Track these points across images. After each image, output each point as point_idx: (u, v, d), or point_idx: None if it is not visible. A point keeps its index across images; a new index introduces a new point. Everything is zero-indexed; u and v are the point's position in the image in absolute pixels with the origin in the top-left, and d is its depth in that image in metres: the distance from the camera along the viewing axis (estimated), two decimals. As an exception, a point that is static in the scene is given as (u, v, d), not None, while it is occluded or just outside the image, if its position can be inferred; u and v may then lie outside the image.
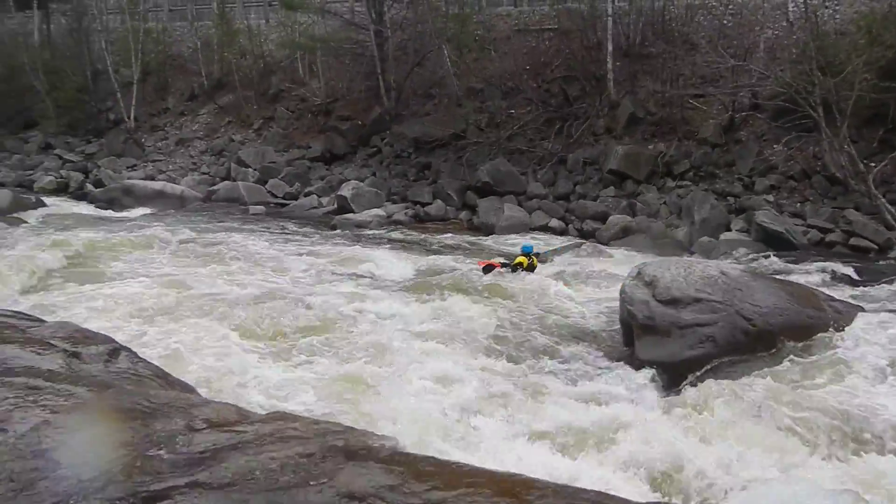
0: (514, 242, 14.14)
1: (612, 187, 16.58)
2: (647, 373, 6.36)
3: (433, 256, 12.43)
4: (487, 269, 10.31)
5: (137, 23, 27.95)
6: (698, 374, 6.28)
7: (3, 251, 10.14)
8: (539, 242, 14.05)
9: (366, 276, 10.33)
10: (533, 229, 15.54)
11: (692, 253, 12.90)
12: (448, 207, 17.47)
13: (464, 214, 17.20)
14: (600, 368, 6.57)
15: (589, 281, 10.14)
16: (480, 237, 15.05)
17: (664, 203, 15.52)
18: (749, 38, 18.07)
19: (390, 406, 5.18)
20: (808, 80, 13.94)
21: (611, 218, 15.06)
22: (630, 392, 5.85)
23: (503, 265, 10.46)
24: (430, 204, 17.61)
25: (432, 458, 3.60)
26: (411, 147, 20.74)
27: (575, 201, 16.59)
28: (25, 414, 3.65)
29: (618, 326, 7.56)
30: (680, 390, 6.00)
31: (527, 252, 10.57)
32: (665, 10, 20.40)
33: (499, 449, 4.59)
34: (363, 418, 4.82)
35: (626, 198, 16.12)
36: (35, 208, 16.90)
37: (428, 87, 22.64)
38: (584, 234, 15.11)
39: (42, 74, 28.40)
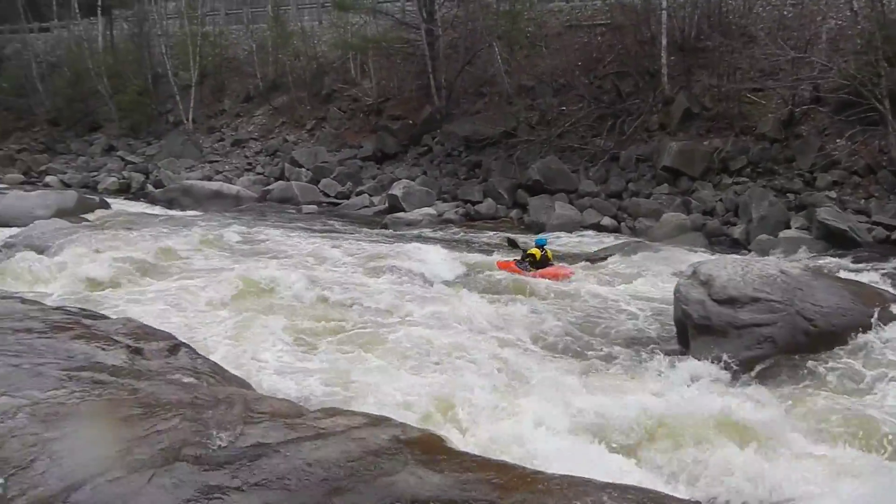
0: (564, 242, 14.05)
1: (665, 185, 16.28)
2: (703, 373, 6.23)
3: (484, 255, 12.41)
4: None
5: (195, 27, 28.70)
6: (756, 375, 6.13)
7: (70, 250, 10.52)
8: (590, 241, 13.96)
9: (418, 275, 10.37)
10: (584, 227, 15.39)
11: (749, 251, 12.59)
12: (498, 206, 17.44)
13: (514, 213, 17.14)
14: (654, 369, 6.46)
15: (643, 280, 9.99)
16: (531, 235, 14.96)
17: (720, 200, 15.17)
18: (810, 28, 17.49)
19: (444, 403, 5.19)
20: (873, 72, 13.45)
21: (664, 216, 14.79)
22: (685, 393, 5.73)
23: (517, 261, 10.47)
24: (481, 202, 17.60)
25: (493, 459, 3.61)
26: (462, 146, 20.77)
27: (627, 199, 16.36)
28: (91, 407, 3.81)
29: (672, 326, 7.43)
30: (737, 392, 5.86)
31: (540, 245, 10.47)
32: (722, 2, 19.89)
33: (556, 449, 4.55)
34: (420, 416, 4.84)
35: (680, 195, 15.81)
36: (99, 208, 17.47)
37: (479, 85, 22.62)
38: (637, 233, 14.88)
39: (105, 79, 29.41)
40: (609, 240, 14.12)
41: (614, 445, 4.74)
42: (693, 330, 6.78)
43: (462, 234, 15.24)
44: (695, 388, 5.89)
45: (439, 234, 15.18)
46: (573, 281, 9.83)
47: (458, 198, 18.23)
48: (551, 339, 7.34)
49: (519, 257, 10.48)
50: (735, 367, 6.22)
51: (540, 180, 17.11)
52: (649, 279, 10.01)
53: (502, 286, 9.44)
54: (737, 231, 13.81)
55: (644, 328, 7.78)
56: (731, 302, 6.64)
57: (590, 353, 6.94)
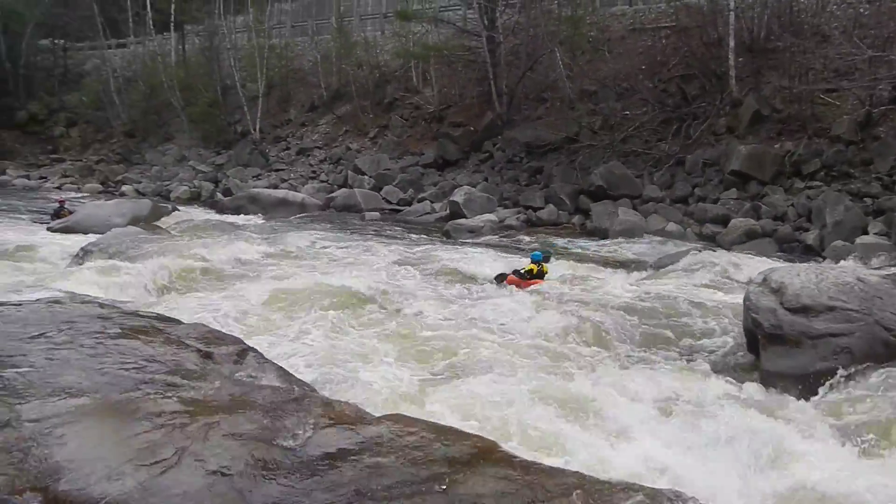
0: (628, 248, 13.82)
1: (734, 189, 15.83)
2: (774, 385, 6.02)
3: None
4: (500, 277, 10.33)
5: (263, 40, 29.51)
6: (831, 387, 5.88)
7: (144, 256, 10.92)
8: (655, 247, 13.69)
9: (479, 281, 10.37)
10: (649, 233, 15.10)
11: (823, 258, 12.15)
12: (560, 212, 17.28)
13: (576, 219, 16.96)
14: (723, 378, 6.27)
15: (710, 287, 9.74)
16: (594, 241, 14.78)
17: (791, 205, 14.67)
18: (889, 26, 16.74)
19: (510, 413, 5.15)
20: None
21: (733, 221, 14.39)
22: (755, 404, 5.54)
23: (515, 272, 10.36)
24: (543, 208, 17.49)
25: (560, 469, 3.56)
26: (523, 151, 20.69)
27: (694, 204, 15.98)
28: (162, 408, 3.93)
29: (742, 335, 7.21)
30: (811, 405, 5.64)
31: (536, 260, 10.42)
32: (793, 2, 19.29)
33: (621, 458, 4.48)
34: (484, 425, 4.82)
35: (749, 200, 15.35)
36: (171, 216, 18.08)
37: (540, 90, 22.54)
38: (704, 238, 14.53)
39: (178, 91, 30.54)
40: (675, 246, 13.82)
41: (680, 457, 4.62)
42: (763, 339, 6.55)
43: (525, 240, 15.12)
44: (763, 400, 5.70)
45: (501, 240, 15.13)
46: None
47: (520, 204, 18.16)
48: (617, 346, 7.22)
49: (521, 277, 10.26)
50: (809, 379, 5.99)
51: (603, 185, 16.90)
52: (717, 286, 9.75)
53: (565, 294, 9.34)
54: (810, 237, 13.33)
55: (712, 337, 7.57)
56: (804, 311, 6.39)
57: (656, 362, 6.78)
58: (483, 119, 22.63)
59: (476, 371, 6.26)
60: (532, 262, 10.42)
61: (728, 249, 13.17)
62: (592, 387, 5.79)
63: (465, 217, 17.08)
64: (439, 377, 6.13)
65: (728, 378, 6.26)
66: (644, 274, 11.13)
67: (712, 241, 14.14)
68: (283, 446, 3.55)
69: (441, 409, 5.20)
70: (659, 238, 14.78)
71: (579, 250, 13.82)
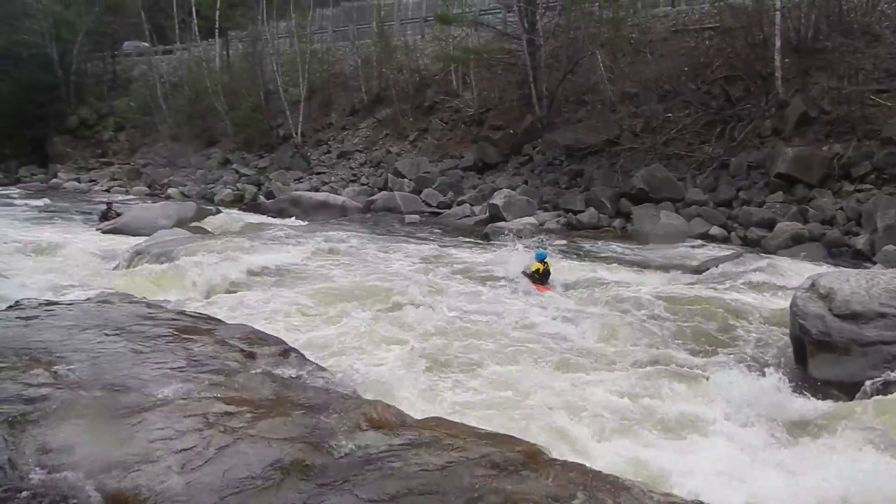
0: (670, 252, 13.63)
1: (780, 192, 15.48)
2: (822, 393, 5.87)
3: (586, 266, 12.21)
4: None
5: (305, 45, 29.91)
6: (883, 397, 5.70)
7: (188, 257, 11.14)
8: (698, 251, 13.49)
9: (519, 285, 10.31)
10: (691, 237, 14.87)
11: (874, 263, 11.80)
12: (601, 215, 17.13)
13: (617, 222, 16.79)
14: (768, 386, 6.12)
15: (755, 292, 9.54)
16: (635, 245, 14.61)
17: (840, 209, 14.29)
18: (943, 25, 16.27)
19: (553, 417, 5.12)
20: None
21: (779, 225, 14.09)
22: (803, 414, 5.42)
23: (523, 274, 10.48)
24: (583, 212, 17.35)
25: (607, 474, 3.53)
26: (563, 154, 20.57)
27: (738, 208, 15.69)
28: (207, 407, 4.01)
29: (788, 341, 7.05)
30: (860, 414, 5.48)
31: (541, 259, 10.62)
32: (842, 1, 18.81)
33: (664, 471, 4.42)
34: (528, 430, 4.79)
35: (795, 203, 15.00)
36: (215, 217, 18.38)
37: (581, 93, 22.39)
38: (749, 243, 14.26)
39: (222, 96, 31.11)
40: (718, 250, 13.59)
41: (726, 469, 4.54)
42: (811, 346, 6.39)
43: (564, 243, 15.02)
44: (811, 409, 5.56)
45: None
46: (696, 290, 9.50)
47: (560, 207, 18.06)
48: (658, 351, 7.10)
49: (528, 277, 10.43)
50: (858, 388, 5.82)
51: (644, 189, 16.71)
52: (763, 291, 9.55)
53: (606, 296, 9.25)
54: (860, 241, 12.96)
55: (758, 343, 7.41)
56: (854, 317, 6.22)
57: (698, 369, 6.66)
58: (523, 122, 22.56)
59: (518, 374, 6.23)
60: (538, 261, 10.55)
61: (773, 254, 12.89)
62: (634, 394, 5.73)
63: (504, 220, 17.06)
64: (480, 380, 6.11)
65: (774, 386, 6.11)
66: (687, 278, 10.97)
67: (757, 246, 13.87)
68: (324, 447, 3.59)
69: (483, 412, 5.19)
70: (702, 242, 14.56)
71: (620, 254, 13.66)
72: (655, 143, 18.54)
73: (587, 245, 14.76)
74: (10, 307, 6.14)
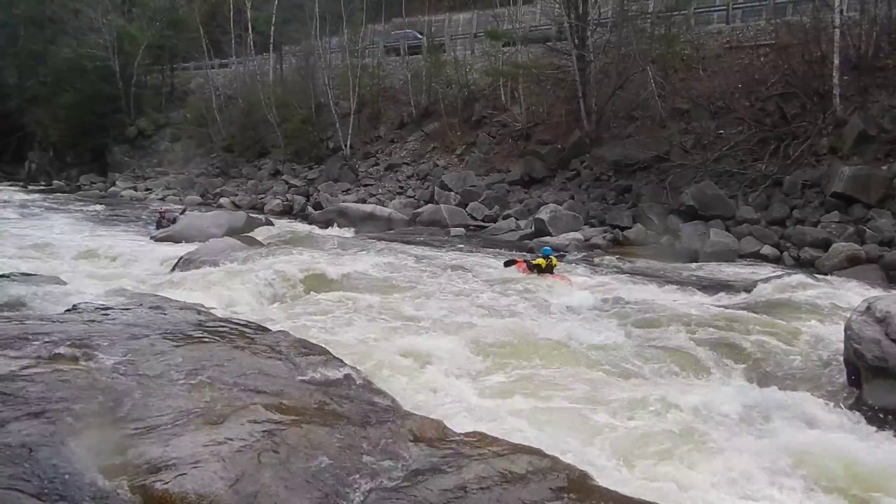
0: (720, 270, 13.36)
1: (835, 212, 15.06)
2: (878, 421, 5.65)
3: (632, 283, 12.04)
4: (509, 263, 11.86)
5: (356, 59, 30.35)
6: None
7: (238, 266, 11.36)
8: (749, 270, 13.20)
9: (566, 302, 10.23)
10: (742, 256, 14.56)
11: (937, 287, 11.36)
12: (648, 232, 16.90)
13: (665, 239, 16.52)
14: (821, 413, 5.91)
15: (808, 314, 9.27)
16: (683, 263, 14.36)
17: (900, 230, 13.83)
18: None
19: (595, 438, 5.06)
20: None
21: (834, 246, 13.68)
22: (857, 442, 5.22)
23: (527, 263, 11.73)
24: (630, 228, 17.15)
25: (637, 499, 3.48)
26: (611, 170, 20.41)
27: (791, 227, 15.30)
28: (252, 414, 4.08)
29: (841, 366, 6.82)
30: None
31: (546, 254, 11.62)
32: (904, 18, 18.31)
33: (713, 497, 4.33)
34: (567, 451, 4.74)
35: (852, 224, 14.56)
36: (264, 227, 18.74)
37: (630, 109, 22.21)
38: (802, 263, 13.89)
39: (274, 108, 31.77)
40: (770, 270, 13.27)
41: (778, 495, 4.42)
42: (866, 372, 6.18)
43: (611, 259, 14.85)
44: (865, 437, 5.36)
45: (586, 259, 14.91)
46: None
47: (606, 223, 17.89)
48: (706, 374, 6.93)
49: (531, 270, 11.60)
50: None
51: (694, 206, 16.44)
52: (815, 313, 9.27)
53: (653, 315, 9.10)
54: (920, 265, 12.51)
55: (810, 367, 7.17)
56: (912, 343, 6.01)
57: (748, 391, 6.46)
58: (571, 137, 22.46)
59: (561, 392, 6.15)
60: (541, 257, 11.54)
61: (828, 275, 12.52)
62: (680, 418, 5.58)
63: (550, 235, 16.97)
64: (524, 395, 6.06)
65: (827, 412, 5.92)
66: (737, 298, 10.71)
67: (811, 267, 13.49)
68: (366, 458, 3.61)
69: (525, 428, 5.14)
70: (753, 261, 14.23)
71: (668, 271, 13.44)
72: (706, 159, 18.25)
73: (633, 261, 14.56)
74: (69, 310, 6.36)
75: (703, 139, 19.17)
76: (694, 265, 14.15)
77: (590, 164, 21.32)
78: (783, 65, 19.79)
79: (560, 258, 12.09)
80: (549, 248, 12.41)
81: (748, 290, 11.13)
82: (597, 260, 14.84)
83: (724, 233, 15.46)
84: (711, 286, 11.72)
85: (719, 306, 9.80)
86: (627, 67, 21.90)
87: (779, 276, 11.99)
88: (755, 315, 8.98)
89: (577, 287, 11.06)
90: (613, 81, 21.96)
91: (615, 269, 13.59)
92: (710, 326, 8.40)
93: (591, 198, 19.89)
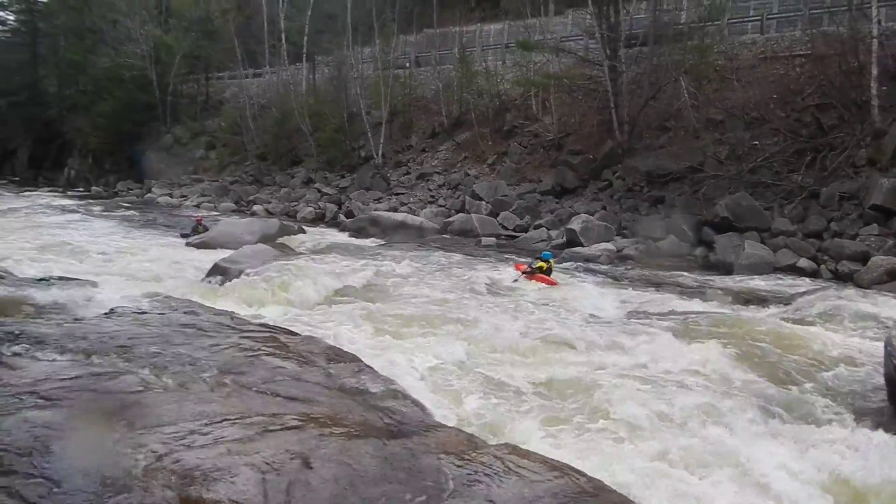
0: (755, 283, 13.15)
1: (874, 225, 14.71)
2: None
3: (664, 294, 11.91)
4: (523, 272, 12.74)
5: (388, 70, 30.57)
6: None
7: (270, 272, 11.47)
8: (784, 284, 12.98)
9: (594, 312, 10.17)
10: (778, 269, 14.30)
11: (980, 303, 11.03)
12: (682, 243, 16.68)
13: (699, 251, 16.32)
14: (860, 431, 5.77)
15: (846, 329, 9.09)
16: (717, 275, 14.16)
17: (943, 244, 13.48)
18: None
19: (635, 459, 4.98)
20: None
21: (873, 259, 13.37)
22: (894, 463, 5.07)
23: (529, 269, 12.75)
24: (663, 239, 16.95)
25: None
26: (644, 181, 20.24)
27: (829, 239, 14.99)
28: (285, 422, 4.10)
29: (881, 382, 6.66)
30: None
31: (546, 259, 12.85)
32: (947, 25, 17.92)
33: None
34: (600, 466, 4.68)
35: (892, 237, 14.19)
36: (297, 235, 18.95)
37: (663, 119, 22.03)
38: (840, 277, 13.60)
39: (307, 118, 32.12)
40: (806, 283, 13.03)
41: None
42: (908, 389, 6.03)
43: (643, 271, 14.69)
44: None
45: (618, 269, 14.78)
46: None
47: (639, 234, 17.70)
48: (740, 391, 6.76)
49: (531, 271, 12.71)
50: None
51: (728, 217, 16.21)
52: (854, 329, 9.09)
53: (686, 326, 8.99)
54: (964, 279, 12.17)
55: (847, 384, 7.01)
56: (956, 359, 5.85)
57: (783, 408, 6.30)
58: (603, 147, 22.34)
59: (596, 410, 6.02)
60: (542, 261, 12.73)
61: (867, 289, 12.26)
62: (710, 434, 5.46)
63: (581, 245, 16.87)
64: (557, 409, 6.01)
65: (865, 431, 5.76)
66: (773, 311, 10.54)
67: (849, 280, 13.20)
68: (398, 470, 3.61)
69: (557, 442, 5.09)
70: (789, 274, 13.99)
71: (701, 283, 13.26)
72: (741, 170, 18.00)
73: (666, 273, 14.40)
74: (106, 314, 6.48)
75: (738, 150, 18.91)
76: (728, 277, 13.94)
77: (622, 174, 21.17)
78: (819, 75, 19.48)
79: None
80: (548, 252, 13.72)
81: (785, 304, 10.95)
82: (629, 271, 14.70)
83: (760, 245, 15.22)
84: (747, 298, 11.55)
85: (754, 319, 9.65)
86: (660, 78, 21.74)
87: (816, 290, 11.78)
88: (792, 328, 8.82)
89: (586, 292, 11.83)
90: (646, 92, 21.80)
91: (648, 281, 13.45)
92: (744, 339, 8.27)
93: (623, 208, 19.73)
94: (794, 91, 20.08)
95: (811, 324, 9.20)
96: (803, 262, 14.35)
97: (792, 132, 18.49)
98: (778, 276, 13.88)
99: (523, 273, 12.80)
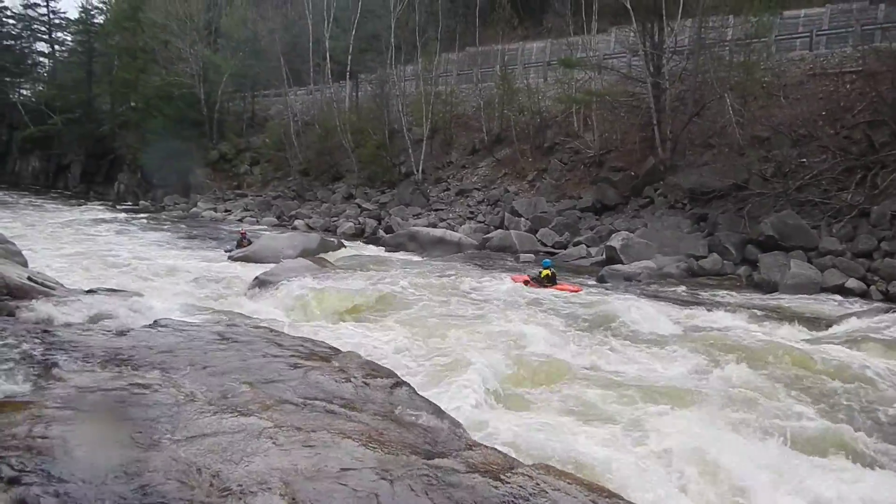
0: (801, 304, 12.82)
1: (928, 245, 14.28)
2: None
3: (706, 314, 11.65)
4: (525, 283, 13.56)
5: (430, 87, 30.81)
6: None
7: (311, 286, 11.60)
8: (832, 305, 12.62)
9: (638, 330, 10.00)
10: (825, 289, 13.93)
11: None
12: (725, 261, 16.39)
13: (742, 270, 16.01)
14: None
15: (897, 353, 8.78)
16: (761, 295, 13.84)
17: None
18: None
19: (666, 485, 4.86)
20: None
21: (927, 281, 12.97)
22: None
23: (532, 279, 13.70)
24: (705, 257, 16.67)
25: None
26: (686, 198, 19.96)
27: (879, 260, 14.56)
28: (323, 435, 4.11)
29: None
30: None
31: (547, 266, 13.83)
32: None
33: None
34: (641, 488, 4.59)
35: (948, 258, 13.78)
36: (336, 250, 19.14)
37: (707, 136, 21.73)
38: (891, 298, 13.20)
39: (349, 134, 32.52)
40: (856, 304, 12.65)
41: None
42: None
43: (684, 289, 14.44)
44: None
45: (659, 288, 14.55)
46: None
47: (681, 251, 17.43)
48: (786, 416, 6.56)
49: (537, 282, 13.56)
50: None
51: (773, 236, 15.87)
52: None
53: (733, 348, 8.78)
54: None
55: (897, 408, 6.78)
56: None
57: (829, 434, 6.10)
58: (644, 164, 22.12)
59: (633, 431, 5.95)
60: (545, 269, 13.71)
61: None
62: (765, 459, 5.30)
63: (621, 263, 16.68)
64: (595, 430, 5.92)
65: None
66: (820, 332, 10.24)
67: (902, 302, 12.80)
68: (436, 490, 3.59)
69: (597, 464, 5.00)
70: (837, 295, 13.61)
71: (744, 303, 12.97)
72: (787, 188, 17.63)
73: (708, 292, 14.14)
74: (150, 326, 6.61)
75: (784, 167, 18.54)
76: (771, 297, 13.62)
77: (664, 191, 20.92)
78: (871, 92, 19.02)
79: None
80: (548, 260, 14.63)
81: (833, 325, 10.64)
82: (670, 289, 14.47)
83: (806, 264, 14.85)
84: (793, 319, 11.25)
85: (801, 341, 9.40)
86: (704, 95, 21.49)
87: (866, 311, 11.42)
88: (840, 351, 8.56)
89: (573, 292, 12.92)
90: (689, 109, 21.57)
91: (689, 300, 13.21)
92: (791, 362, 8.06)
93: (664, 226, 19.46)
94: (844, 108, 19.65)
95: (861, 346, 8.89)
96: (852, 283, 13.97)
97: (841, 149, 18.06)
98: (825, 296, 13.52)
99: (526, 283, 13.66)
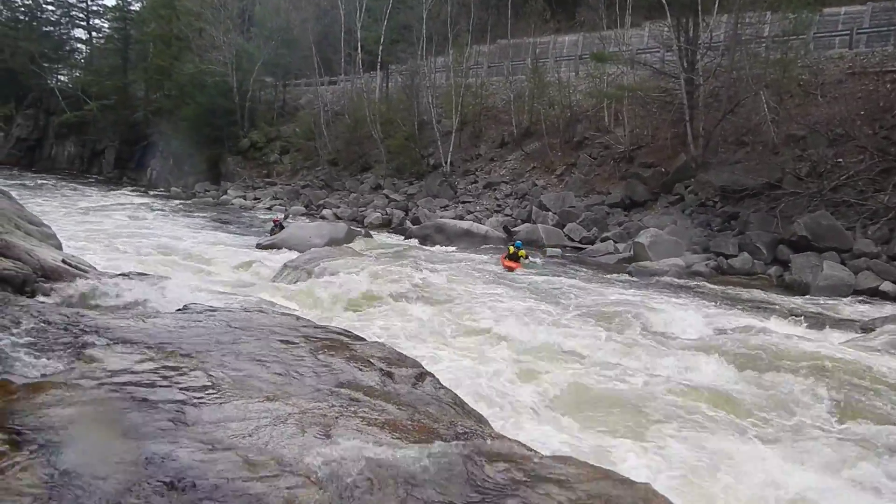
0: (833, 306, 12.59)
1: (968, 250, 13.95)
2: None
3: (734, 313, 11.50)
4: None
5: (460, 79, 30.76)
6: None
7: (337, 275, 11.64)
8: (866, 308, 12.38)
9: (664, 332, 9.91)
10: (857, 292, 13.68)
11: None
12: (755, 261, 16.16)
13: (773, 270, 15.77)
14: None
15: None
16: (793, 296, 13.63)
17: None
18: None
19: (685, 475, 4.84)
20: None
21: (965, 286, 12.67)
22: None
23: (505, 257, 15.72)
24: (735, 256, 16.46)
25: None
26: (717, 196, 19.71)
27: (916, 263, 14.28)
28: (347, 422, 4.14)
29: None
30: None
31: (518, 246, 15.92)
32: None
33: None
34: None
35: None
36: (363, 239, 19.21)
37: (740, 134, 21.42)
38: (927, 303, 12.91)
39: (378, 125, 32.61)
40: (891, 308, 12.39)
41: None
42: None
43: (713, 288, 14.27)
44: None
45: (687, 286, 14.39)
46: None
47: (710, 250, 17.24)
48: (815, 421, 6.46)
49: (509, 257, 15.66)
50: None
51: (806, 236, 15.60)
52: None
53: (754, 353, 8.64)
54: None
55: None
56: None
57: (864, 443, 5.96)
58: (675, 161, 21.87)
59: (658, 425, 5.90)
60: (514, 247, 15.83)
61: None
62: (799, 480, 5.20)
63: (649, 260, 16.53)
64: (614, 425, 5.89)
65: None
66: (853, 336, 10.06)
67: (938, 307, 12.51)
68: (456, 474, 3.59)
69: (608, 458, 4.99)
70: (870, 298, 13.35)
71: (774, 303, 12.79)
72: (822, 188, 17.33)
73: (737, 291, 13.96)
74: (179, 310, 6.70)
75: (820, 167, 18.21)
76: (803, 299, 13.41)
77: (695, 188, 20.68)
78: (912, 91, 18.61)
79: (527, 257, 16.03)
80: (520, 241, 17.02)
81: (867, 329, 10.43)
82: (699, 287, 14.31)
83: (839, 266, 14.59)
84: (825, 322, 11.08)
85: (834, 345, 9.22)
86: (739, 91, 21.17)
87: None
88: (872, 358, 8.39)
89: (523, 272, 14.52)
90: (723, 105, 21.26)
91: (717, 299, 13.05)
92: (824, 366, 7.90)
93: (694, 224, 19.25)
94: (884, 108, 19.25)
95: (890, 352, 8.71)
96: (887, 286, 13.70)
97: (880, 150, 17.70)
98: (858, 299, 13.28)
99: (507, 267, 15.31)
